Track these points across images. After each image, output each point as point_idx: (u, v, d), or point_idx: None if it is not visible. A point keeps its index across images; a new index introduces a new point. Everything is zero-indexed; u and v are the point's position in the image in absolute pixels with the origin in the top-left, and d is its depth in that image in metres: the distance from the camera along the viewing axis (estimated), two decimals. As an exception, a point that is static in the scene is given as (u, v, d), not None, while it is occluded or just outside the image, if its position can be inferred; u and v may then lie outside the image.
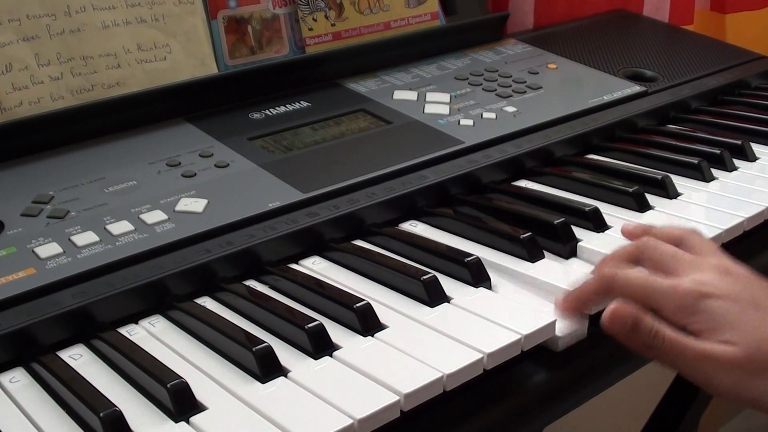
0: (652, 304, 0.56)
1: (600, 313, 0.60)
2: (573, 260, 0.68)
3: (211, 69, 0.88)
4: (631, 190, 0.76)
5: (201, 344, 0.57)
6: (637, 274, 0.57)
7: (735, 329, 0.54)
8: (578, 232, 0.71)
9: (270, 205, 0.69)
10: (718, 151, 0.85)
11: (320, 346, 0.55)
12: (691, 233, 0.62)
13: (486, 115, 0.88)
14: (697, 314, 0.54)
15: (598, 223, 0.72)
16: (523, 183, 0.81)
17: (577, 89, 0.97)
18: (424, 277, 0.61)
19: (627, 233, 0.66)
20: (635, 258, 0.60)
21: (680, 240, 0.61)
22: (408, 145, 0.81)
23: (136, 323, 0.60)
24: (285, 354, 0.55)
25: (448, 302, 0.61)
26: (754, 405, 0.54)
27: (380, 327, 0.58)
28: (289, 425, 0.48)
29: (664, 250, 0.59)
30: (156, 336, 0.59)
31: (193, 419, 0.50)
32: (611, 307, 0.56)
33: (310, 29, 0.95)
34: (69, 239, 0.63)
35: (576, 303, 0.60)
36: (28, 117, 0.76)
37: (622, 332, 0.56)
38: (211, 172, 0.74)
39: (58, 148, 0.76)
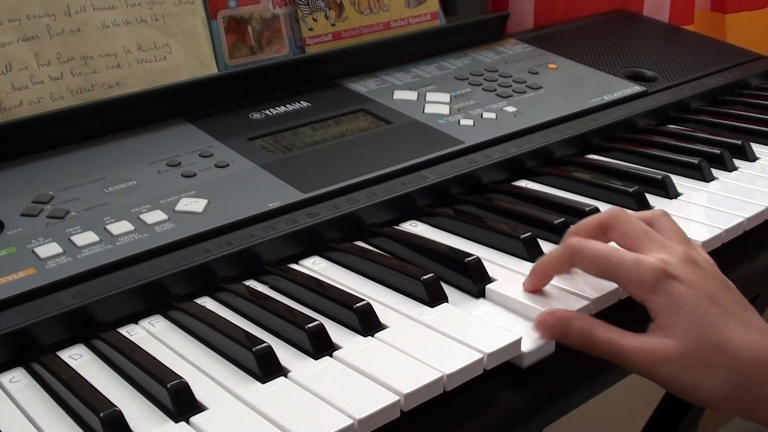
0: (614, 276, 0.57)
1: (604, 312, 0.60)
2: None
3: (211, 69, 0.88)
4: (631, 190, 0.76)
5: (201, 344, 0.57)
6: (603, 245, 0.58)
7: (684, 319, 0.54)
8: (578, 232, 0.71)
9: (270, 205, 0.69)
10: (718, 151, 0.85)
11: (320, 346, 0.55)
12: (662, 216, 0.62)
13: (486, 115, 0.88)
14: (656, 293, 0.55)
15: (598, 223, 0.72)
16: (523, 183, 0.81)
17: (577, 89, 0.97)
18: (424, 277, 0.61)
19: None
20: (605, 227, 0.60)
21: (650, 221, 0.61)
22: (408, 145, 0.81)
23: (136, 323, 0.60)
24: (285, 354, 0.55)
25: (448, 302, 0.61)
26: (690, 397, 0.55)
27: (380, 327, 0.58)
28: (289, 425, 0.48)
29: (635, 224, 0.60)
30: (156, 336, 0.58)
31: (193, 419, 0.50)
32: (537, 317, 0.57)
33: (310, 29, 0.95)
34: (69, 239, 0.63)
35: (540, 273, 0.60)
36: (28, 117, 0.76)
37: (552, 337, 0.57)
38: (211, 172, 0.74)
39: (58, 148, 0.76)
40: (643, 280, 0.55)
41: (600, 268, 0.57)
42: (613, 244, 0.60)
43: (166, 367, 0.53)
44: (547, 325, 0.57)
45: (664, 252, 0.57)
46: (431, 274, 0.62)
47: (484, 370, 0.55)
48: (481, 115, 0.88)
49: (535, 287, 0.61)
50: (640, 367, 0.55)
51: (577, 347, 0.57)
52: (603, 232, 0.61)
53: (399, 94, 0.91)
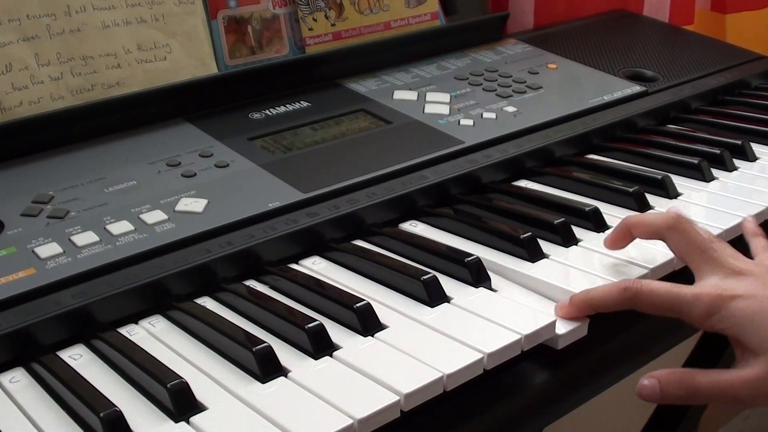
0: (677, 315, 0.57)
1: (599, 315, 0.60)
2: (573, 260, 0.68)
3: (211, 69, 0.88)
4: (631, 190, 0.76)
5: (201, 344, 0.57)
6: (661, 286, 0.58)
7: (763, 327, 0.54)
8: (578, 232, 0.71)
9: (270, 205, 0.69)
10: (718, 151, 0.85)
11: (320, 346, 0.55)
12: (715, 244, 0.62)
13: (486, 115, 0.88)
14: (723, 319, 0.56)
15: (598, 223, 0.72)
16: (523, 183, 0.81)
17: (577, 89, 0.97)
18: (424, 277, 0.61)
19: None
20: (661, 234, 0.62)
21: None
22: (408, 145, 0.81)
23: (136, 323, 0.60)
24: (285, 354, 0.55)
25: (448, 302, 0.61)
26: None
27: (380, 327, 0.58)
28: (289, 425, 0.48)
29: (694, 238, 0.60)
30: (156, 336, 0.58)
31: (193, 419, 0.50)
32: (638, 387, 0.57)
33: (310, 29, 0.95)
34: (69, 239, 0.63)
35: (589, 308, 0.59)
36: (28, 117, 0.76)
37: (653, 399, 0.57)
38: (211, 172, 0.74)
39: (58, 148, 0.76)
40: (707, 313, 0.56)
41: (661, 310, 0.58)
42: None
43: (166, 367, 0.53)
44: (649, 394, 0.57)
45: (716, 272, 0.58)
46: (431, 274, 0.62)
47: (484, 370, 0.55)
48: (481, 115, 0.88)
49: (570, 316, 0.60)
50: (749, 396, 0.55)
51: (681, 401, 0.57)
52: (659, 236, 0.62)
53: (399, 94, 0.91)
